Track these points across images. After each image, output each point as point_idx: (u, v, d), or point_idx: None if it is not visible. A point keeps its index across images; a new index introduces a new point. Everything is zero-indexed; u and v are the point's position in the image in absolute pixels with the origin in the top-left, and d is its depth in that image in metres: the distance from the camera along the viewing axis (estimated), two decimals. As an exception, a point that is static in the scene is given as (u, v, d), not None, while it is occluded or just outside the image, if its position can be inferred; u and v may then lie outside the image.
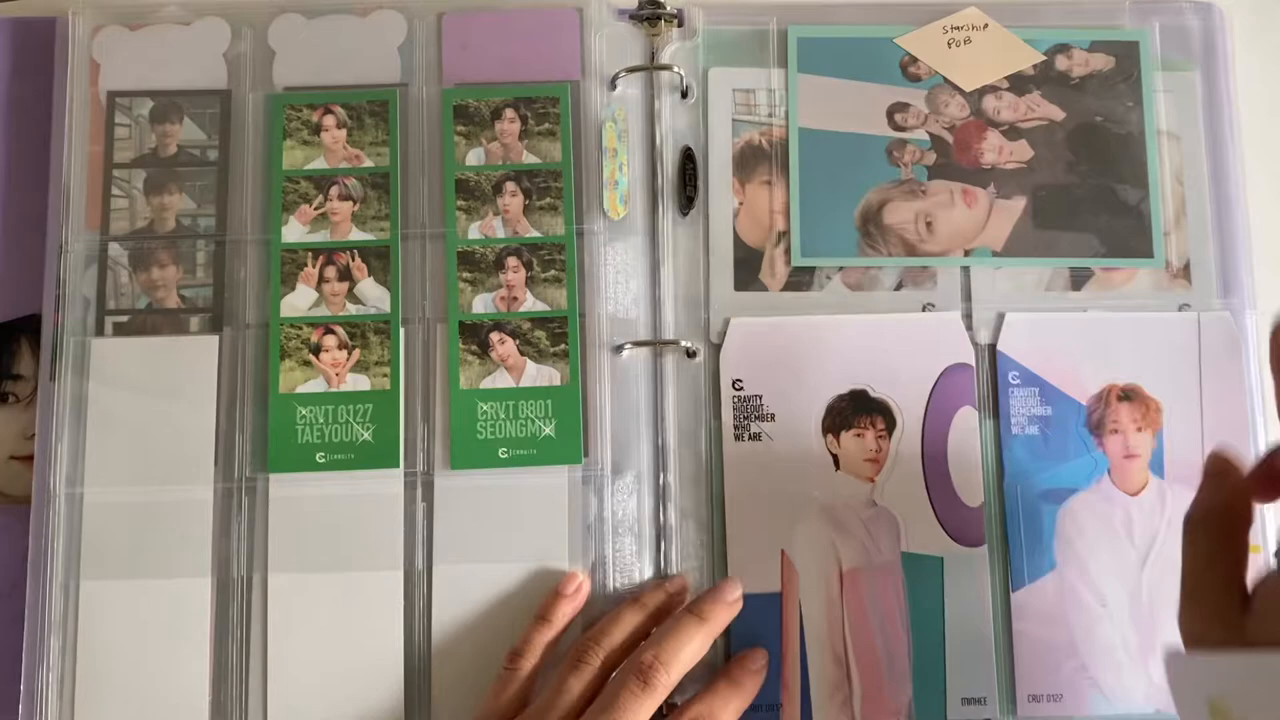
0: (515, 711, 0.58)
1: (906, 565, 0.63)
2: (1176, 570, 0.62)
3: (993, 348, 0.66)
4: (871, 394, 0.65)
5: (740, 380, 0.65)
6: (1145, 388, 0.65)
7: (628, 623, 0.60)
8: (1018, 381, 0.65)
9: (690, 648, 0.57)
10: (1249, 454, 0.65)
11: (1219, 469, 0.52)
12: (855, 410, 0.65)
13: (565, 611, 0.61)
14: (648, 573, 0.63)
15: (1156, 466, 0.65)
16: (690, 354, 0.65)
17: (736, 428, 0.64)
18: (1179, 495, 0.64)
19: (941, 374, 0.65)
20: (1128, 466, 0.65)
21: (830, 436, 0.64)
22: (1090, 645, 0.63)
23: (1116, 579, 0.63)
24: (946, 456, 0.64)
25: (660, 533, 0.64)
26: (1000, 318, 0.66)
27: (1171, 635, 0.56)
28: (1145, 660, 0.62)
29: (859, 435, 0.65)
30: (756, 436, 0.64)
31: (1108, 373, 0.66)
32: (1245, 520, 0.50)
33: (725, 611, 0.60)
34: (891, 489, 0.64)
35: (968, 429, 0.65)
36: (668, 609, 0.61)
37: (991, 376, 0.66)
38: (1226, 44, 0.70)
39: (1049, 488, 0.64)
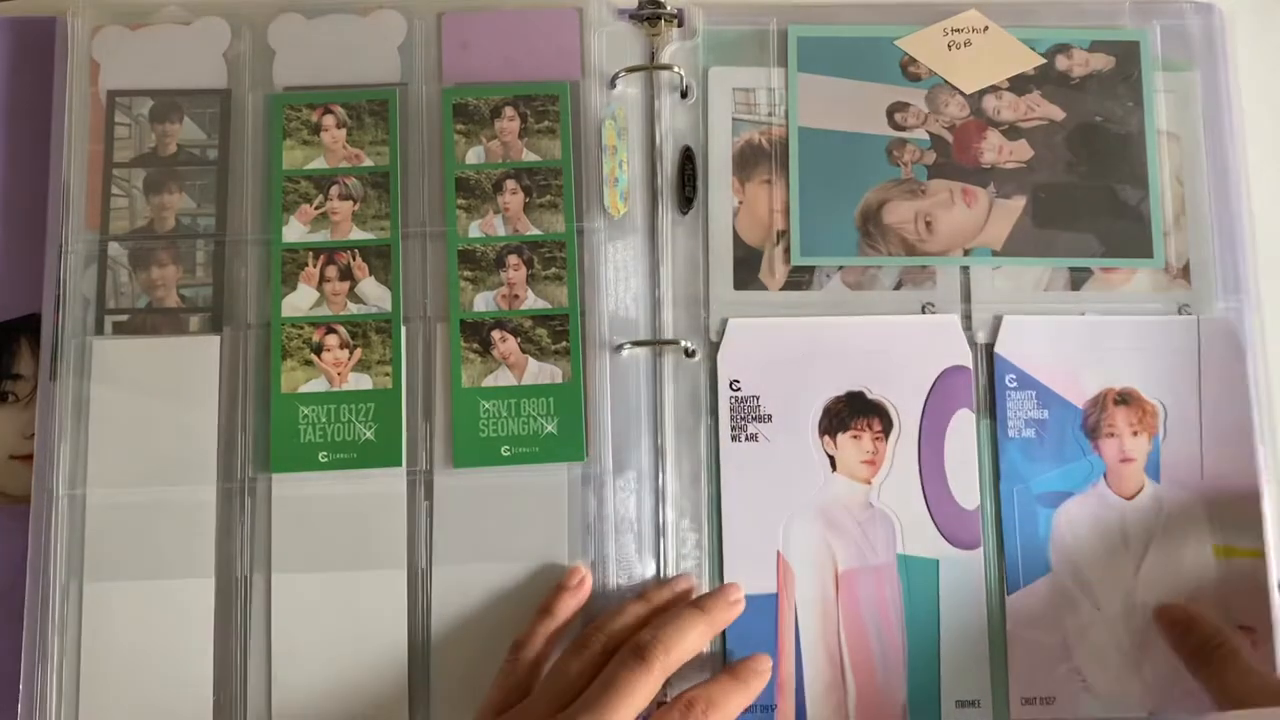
0: (518, 702, 0.58)
1: (902, 567, 0.63)
2: (1171, 574, 0.63)
3: (990, 349, 0.66)
4: (869, 395, 0.65)
5: (738, 381, 0.65)
6: (1142, 391, 0.65)
7: (631, 613, 0.60)
8: (1015, 384, 0.65)
9: (690, 636, 0.58)
10: (1251, 459, 0.65)
11: (1175, 619, 0.62)
12: (852, 412, 0.65)
13: (568, 604, 0.61)
14: (648, 571, 0.63)
15: (1152, 470, 0.65)
16: (689, 353, 0.65)
17: (734, 428, 0.65)
18: (1175, 500, 0.64)
19: (939, 376, 0.65)
20: (1123, 470, 0.65)
21: (827, 438, 0.65)
22: (1084, 648, 0.63)
23: (1111, 583, 0.64)
24: (943, 459, 0.64)
25: (659, 532, 0.64)
26: (998, 320, 0.66)
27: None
28: (1139, 664, 0.63)
29: (856, 437, 0.65)
30: (754, 437, 0.64)
31: (1105, 376, 0.66)
32: (1226, 635, 0.61)
33: (727, 609, 0.61)
34: (888, 491, 0.64)
35: (965, 431, 0.65)
36: (671, 605, 0.62)
37: (989, 379, 0.66)
38: (1226, 44, 0.70)
39: (1045, 491, 0.64)
